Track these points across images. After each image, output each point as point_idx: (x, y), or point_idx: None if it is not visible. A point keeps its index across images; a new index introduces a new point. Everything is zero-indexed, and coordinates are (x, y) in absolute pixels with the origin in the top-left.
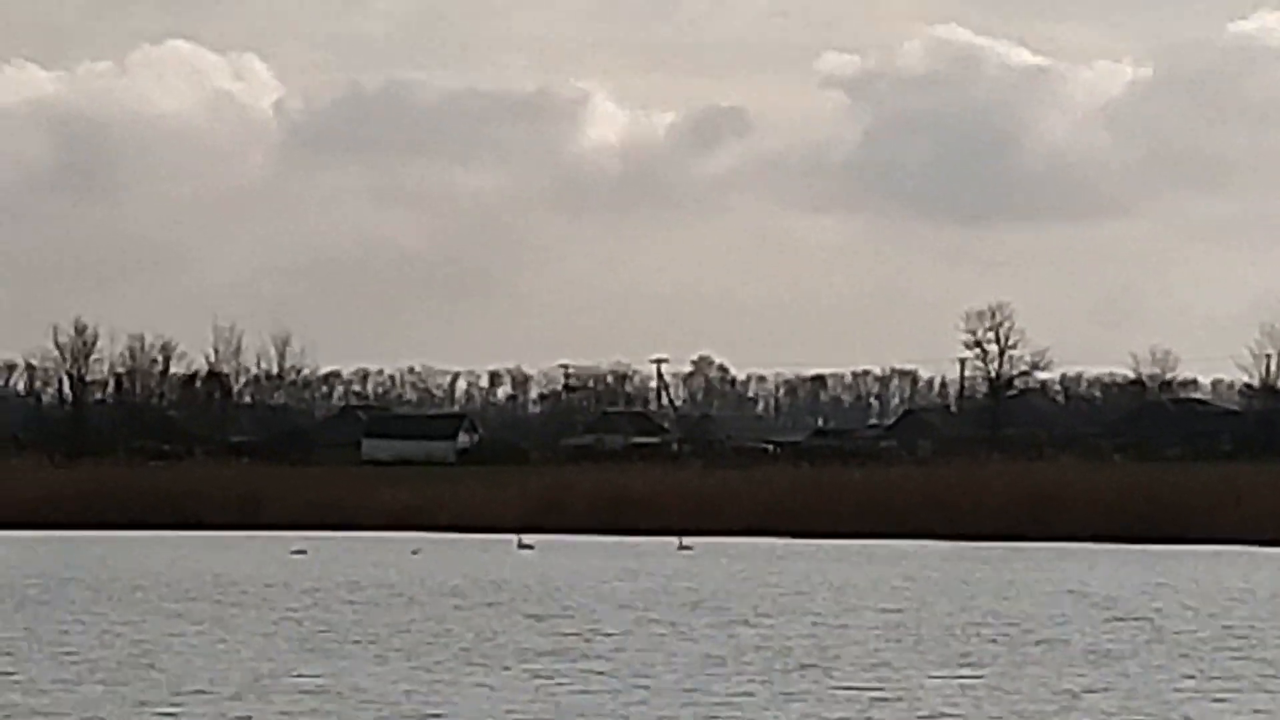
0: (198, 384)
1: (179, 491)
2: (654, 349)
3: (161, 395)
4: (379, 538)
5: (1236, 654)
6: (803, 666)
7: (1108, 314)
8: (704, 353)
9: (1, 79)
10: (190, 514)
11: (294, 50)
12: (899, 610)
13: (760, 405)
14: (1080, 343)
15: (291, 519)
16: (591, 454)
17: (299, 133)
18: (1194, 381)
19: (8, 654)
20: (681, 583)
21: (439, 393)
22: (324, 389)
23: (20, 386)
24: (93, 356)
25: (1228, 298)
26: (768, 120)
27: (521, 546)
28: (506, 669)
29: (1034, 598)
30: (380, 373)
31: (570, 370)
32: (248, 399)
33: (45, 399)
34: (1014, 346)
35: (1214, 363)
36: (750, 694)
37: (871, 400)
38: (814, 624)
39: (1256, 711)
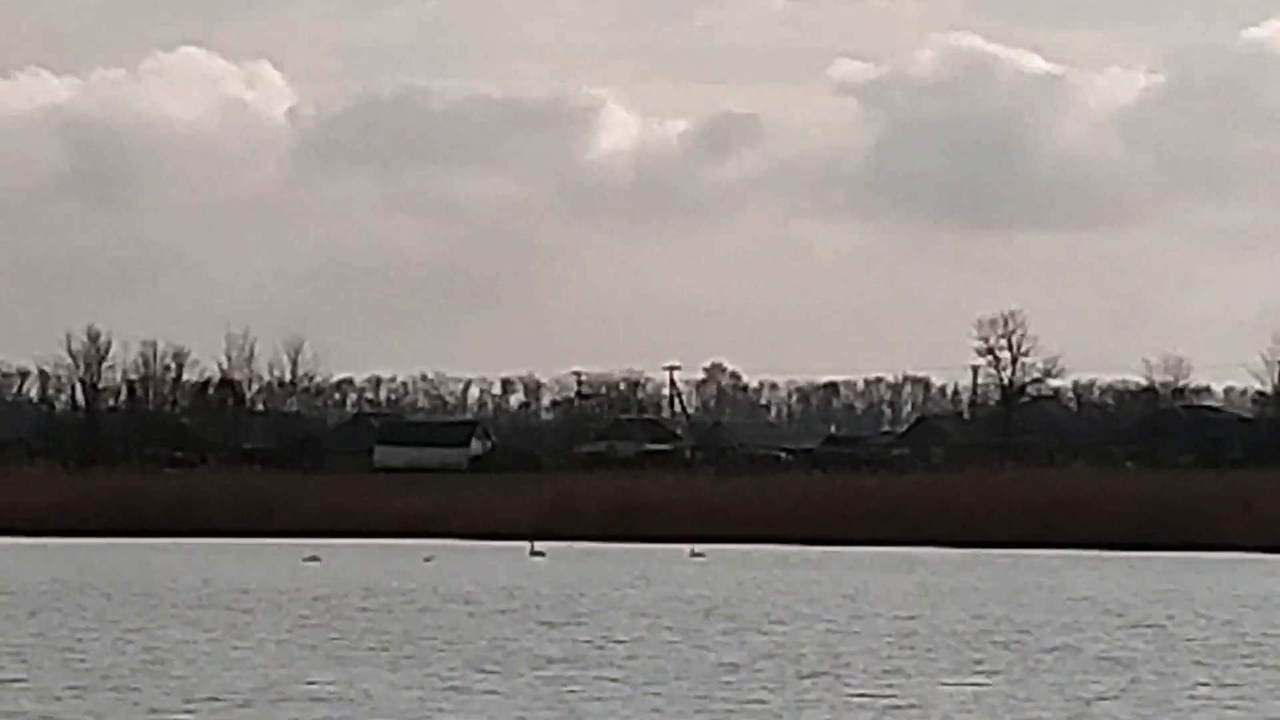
0: (210, 391)
1: (191, 499)
2: (666, 356)
3: (174, 402)
4: (391, 545)
5: (1249, 661)
6: (815, 674)
7: (1120, 321)
8: (716, 360)
9: (15, 86)
10: (203, 521)
11: (307, 58)
12: (911, 617)
13: (773, 412)
14: (1093, 350)
15: (304, 526)
16: (604, 461)
17: (312, 140)
18: (1206, 389)
19: (21, 660)
20: (694, 590)
21: (451, 400)
22: (336, 396)
23: (33, 393)
24: (105, 363)
25: (1240, 305)
26: (780, 128)
27: (534, 554)
28: (519, 676)
29: (1046, 605)
30: (393, 380)
31: (583, 377)
32: (260, 406)
33: (58, 406)
34: (1026, 354)
35: (1226, 370)
36: (763, 701)
37: (884, 407)
38: (826, 631)
39: None
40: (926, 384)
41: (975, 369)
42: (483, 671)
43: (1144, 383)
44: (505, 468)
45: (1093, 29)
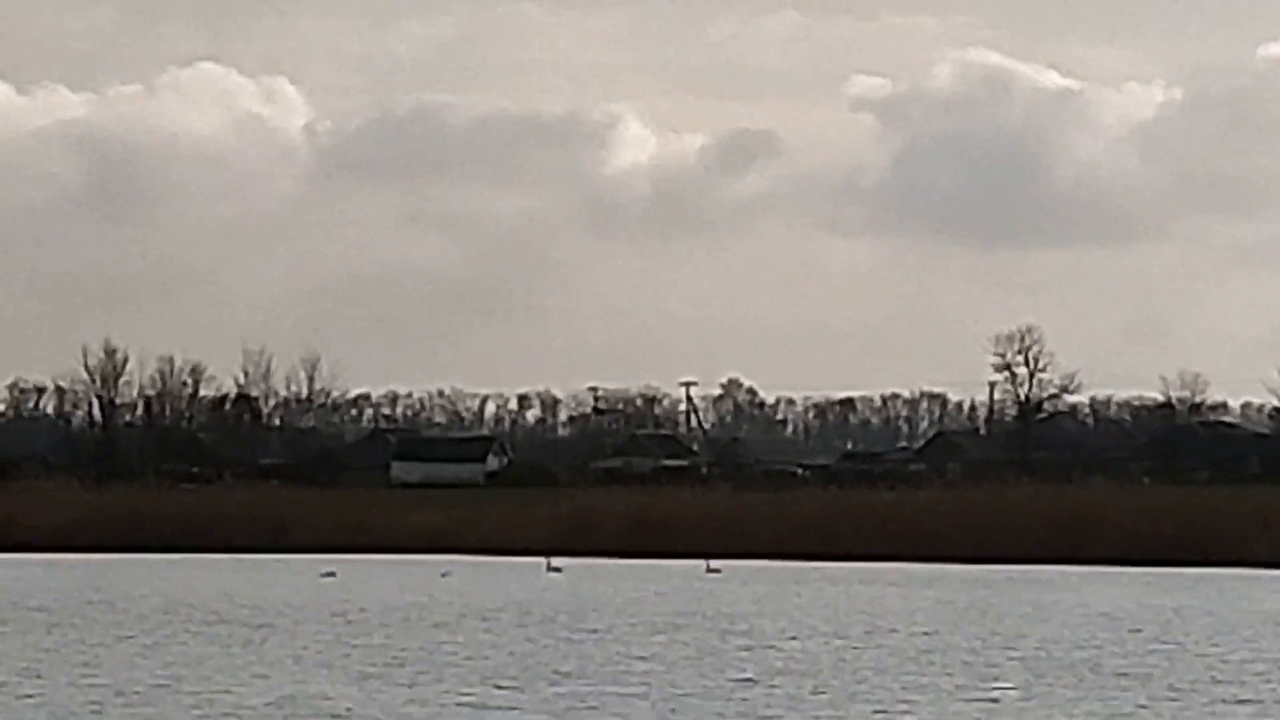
0: (227, 407)
1: (208, 514)
2: (683, 372)
3: (191, 418)
4: (408, 560)
5: (1267, 677)
6: (831, 689)
7: (1137, 337)
8: (733, 375)
9: (31, 102)
10: (219, 537)
11: (323, 73)
12: (928, 633)
13: (789, 428)
14: (1109, 366)
15: (321, 542)
16: (620, 477)
17: (328, 155)
18: (1223, 404)
19: (36, 676)
20: (710, 605)
21: (468, 415)
22: (353, 412)
23: (50, 409)
24: (122, 379)
25: (1257, 321)
26: (797, 143)
27: (551, 569)
28: (536, 692)
29: (1063, 621)
30: (409, 395)
31: (599, 393)
32: (277, 422)
33: (75, 422)
34: (1043, 369)
35: (1243, 385)
36: (779, 716)
37: (900, 423)
38: (842, 647)
39: None
40: (943, 400)
41: (992, 385)
42: (500, 687)
43: (1161, 399)
44: (522, 483)
45: (1109, 45)
